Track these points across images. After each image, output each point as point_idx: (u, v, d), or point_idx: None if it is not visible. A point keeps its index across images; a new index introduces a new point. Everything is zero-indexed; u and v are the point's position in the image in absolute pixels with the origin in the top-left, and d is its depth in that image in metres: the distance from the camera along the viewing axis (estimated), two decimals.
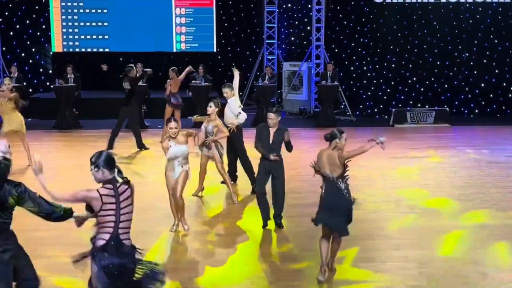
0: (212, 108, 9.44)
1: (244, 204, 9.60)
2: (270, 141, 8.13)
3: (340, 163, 6.37)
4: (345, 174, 6.43)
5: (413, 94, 19.93)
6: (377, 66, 19.97)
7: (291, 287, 6.43)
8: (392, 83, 19.95)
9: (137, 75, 16.77)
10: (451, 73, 19.92)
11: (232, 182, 10.18)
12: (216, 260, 7.23)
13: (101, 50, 20.02)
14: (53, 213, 4.92)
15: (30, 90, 19.43)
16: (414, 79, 19.95)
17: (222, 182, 10.19)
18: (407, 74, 19.95)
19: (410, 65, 19.86)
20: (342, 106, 19.10)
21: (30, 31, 20.08)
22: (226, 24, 20.77)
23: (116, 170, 4.92)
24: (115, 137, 13.51)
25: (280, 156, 8.19)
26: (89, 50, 20.03)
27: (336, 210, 6.40)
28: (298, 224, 8.50)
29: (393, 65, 19.97)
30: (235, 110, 9.97)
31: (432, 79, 19.88)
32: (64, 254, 6.32)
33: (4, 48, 19.46)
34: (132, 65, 14.41)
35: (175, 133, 7.89)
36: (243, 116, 10.13)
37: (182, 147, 7.96)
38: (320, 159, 6.53)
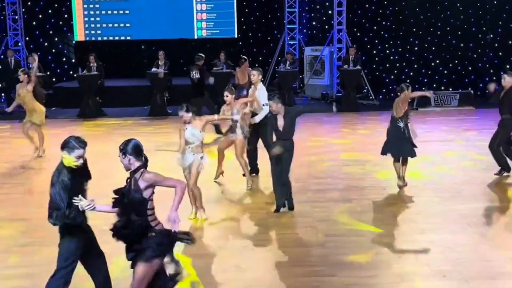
0: (229, 97, 9.47)
1: (265, 191, 9.56)
2: (281, 128, 8.16)
3: (400, 107, 8.97)
4: (408, 116, 9.05)
5: (437, 77, 19.73)
6: (399, 49, 19.78)
7: (313, 272, 6.43)
8: (415, 66, 19.77)
9: (159, 62, 16.88)
10: (475, 55, 19.67)
11: (254, 174, 10.12)
12: (234, 247, 7.22)
13: (122, 38, 20.12)
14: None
15: (54, 79, 19.62)
16: (438, 61, 19.75)
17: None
18: (430, 56, 19.74)
19: (433, 48, 19.64)
20: (365, 90, 18.98)
21: (53, 20, 20.24)
22: (247, 10, 20.71)
23: (143, 158, 4.97)
24: None
25: (291, 141, 8.21)
26: (111, 38, 20.13)
27: (397, 141, 9.07)
28: (322, 209, 8.50)
29: (416, 48, 19.77)
30: (262, 100, 9.73)
31: (456, 61, 19.66)
32: None
33: (27, 38, 19.65)
34: (201, 54, 14.16)
35: (185, 121, 7.93)
36: (265, 111, 9.50)
37: (196, 132, 7.92)
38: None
